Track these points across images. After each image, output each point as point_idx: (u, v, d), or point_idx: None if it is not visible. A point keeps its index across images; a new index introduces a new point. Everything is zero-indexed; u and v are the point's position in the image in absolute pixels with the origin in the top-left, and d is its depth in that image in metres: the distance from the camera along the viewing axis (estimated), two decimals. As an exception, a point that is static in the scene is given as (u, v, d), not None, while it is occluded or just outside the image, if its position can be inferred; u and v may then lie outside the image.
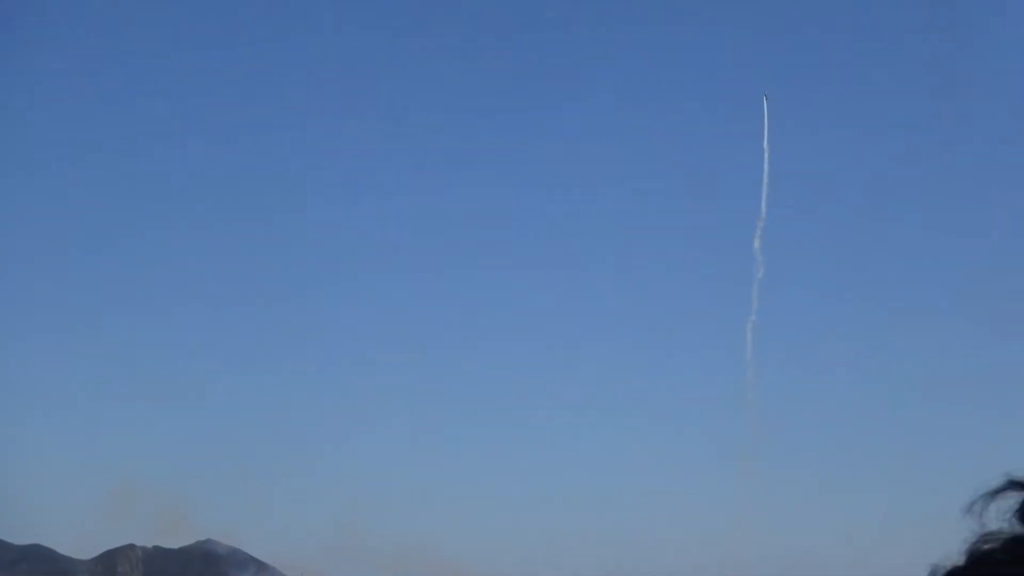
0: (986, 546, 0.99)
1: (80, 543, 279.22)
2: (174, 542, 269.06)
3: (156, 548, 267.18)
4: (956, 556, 0.94)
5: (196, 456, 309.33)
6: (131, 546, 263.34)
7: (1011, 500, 1.00)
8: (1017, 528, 0.99)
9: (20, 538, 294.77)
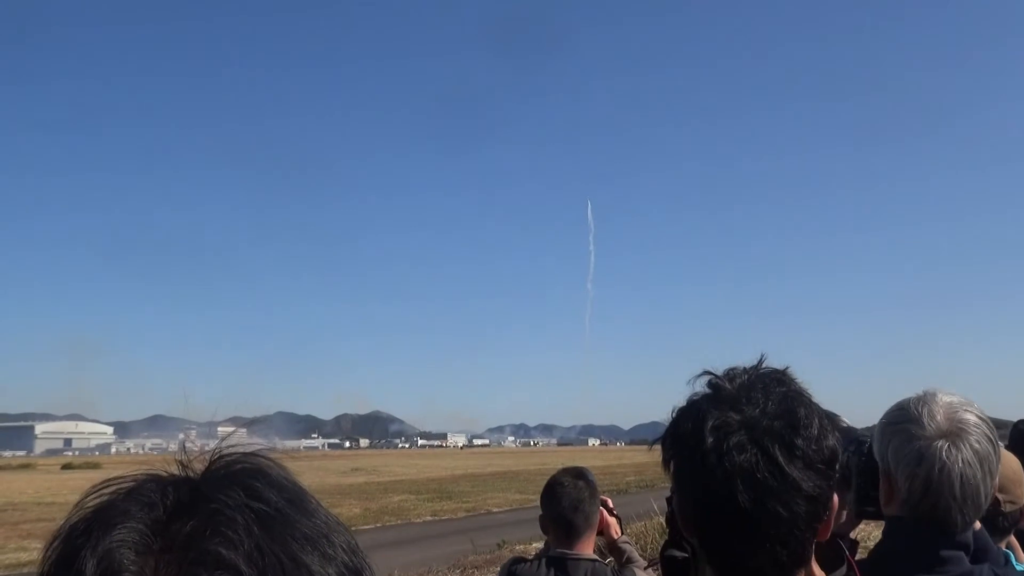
0: (684, 402, 4.28)
1: (321, 409, 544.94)
2: (362, 411, 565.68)
3: (353, 415, 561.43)
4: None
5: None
6: (345, 415, 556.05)
7: (705, 379, 4.39)
8: (707, 390, 2.46)
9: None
